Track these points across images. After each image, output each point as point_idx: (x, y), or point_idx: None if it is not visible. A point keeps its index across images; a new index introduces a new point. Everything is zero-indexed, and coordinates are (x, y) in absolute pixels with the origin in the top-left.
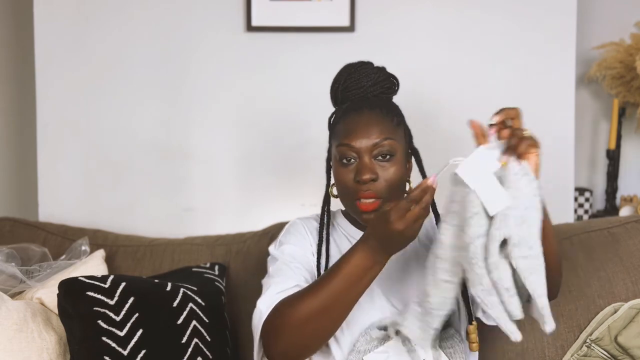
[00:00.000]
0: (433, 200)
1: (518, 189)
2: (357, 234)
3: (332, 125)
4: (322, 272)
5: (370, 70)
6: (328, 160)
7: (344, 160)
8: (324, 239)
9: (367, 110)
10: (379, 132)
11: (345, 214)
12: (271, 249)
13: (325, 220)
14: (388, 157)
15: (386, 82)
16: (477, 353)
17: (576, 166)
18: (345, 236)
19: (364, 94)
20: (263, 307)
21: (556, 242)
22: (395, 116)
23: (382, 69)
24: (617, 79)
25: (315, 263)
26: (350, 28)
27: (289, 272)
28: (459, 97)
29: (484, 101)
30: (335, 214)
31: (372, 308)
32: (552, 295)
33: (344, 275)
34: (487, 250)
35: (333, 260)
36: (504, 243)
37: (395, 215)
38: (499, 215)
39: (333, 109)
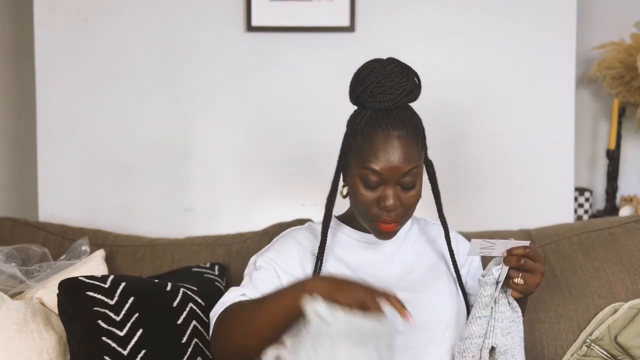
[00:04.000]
0: (442, 212)
1: (505, 304)
2: (347, 230)
3: (356, 134)
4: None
5: (401, 73)
6: (340, 160)
7: (369, 184)
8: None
9: (394, 132)
10: (407, 161)
11: (342, 218)
12: (251, 259)
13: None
14: (412, 187)
15: (415, 92)
16: None
17: (576, 166)
18: (345, 239)
19: (394, 100)
20: (218, 307)
21: None
22: (419, 136)
23: (410, 75)
24: (617, 79)
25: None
26: (350, 28)
27: (243, 286)
28: (459, 97)
29: (485, 101)
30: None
31: None
32: None
33: (270, 306)
34: (480, 354)
35: (325, 259)
36: (492, 351)
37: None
38: (489, 327)
39: (333, 108)
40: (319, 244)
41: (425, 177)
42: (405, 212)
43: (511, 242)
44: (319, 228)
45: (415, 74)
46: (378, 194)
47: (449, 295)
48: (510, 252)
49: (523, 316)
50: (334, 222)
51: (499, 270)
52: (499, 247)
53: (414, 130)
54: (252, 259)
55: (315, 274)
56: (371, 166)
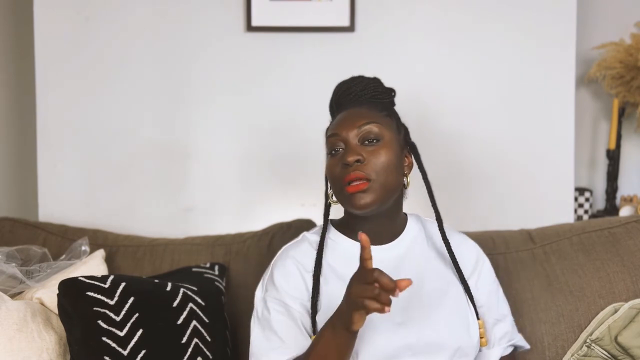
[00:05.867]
0: (436, 207)
1: None
2: (347, 243)
3: (326, 131)
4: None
5: (360, 79)
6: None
7: (333, 151)
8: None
9: (354, 107)
10: (362, 118)
11: (337, 224)
12: (258, 293)
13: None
14: (375, 140)
15: (378, 87)
16: (484, 349)
17: (576, 166)
18: (343, 250)
19: (355, 99)
20: None
21: None
22: (385, 109)
23: (374, 79)
24: (617, 79)
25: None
26: (350, 28)
27: (272, 341)
28: (459, 96)
29: (484, 101)
30: (328, 227)
31: (375, 334)
32: None
33: (319, 353)
34: None
35: (327, 279)
36: None
37: (357, 280)
38: None
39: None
40: (315, 258)
41: (418, 175)
42: (377, 169)
43: None
44: (313, 237)
45: (378, 80)
46: (342, 156)
47: (459, 315)
48: None
49: None
50: (332, 233)
51: None
52: None
53: (376, 104)
54: (259, 294)
55: (314, 292)
56: (331, 132)
